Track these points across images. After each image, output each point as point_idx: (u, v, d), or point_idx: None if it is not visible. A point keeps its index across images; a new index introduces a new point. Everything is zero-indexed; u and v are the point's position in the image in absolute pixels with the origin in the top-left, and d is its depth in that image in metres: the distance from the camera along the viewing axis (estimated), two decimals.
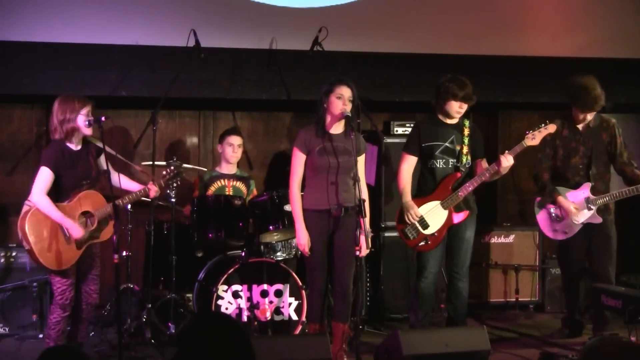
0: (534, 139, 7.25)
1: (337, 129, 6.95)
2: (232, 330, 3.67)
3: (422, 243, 7.36)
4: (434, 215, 7.31)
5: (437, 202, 7.31)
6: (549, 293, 9.20)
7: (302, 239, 6.89)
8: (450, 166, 7.35)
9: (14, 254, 8.06)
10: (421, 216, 7.32)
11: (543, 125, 7.26)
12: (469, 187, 7.26)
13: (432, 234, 7.32)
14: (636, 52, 9.47)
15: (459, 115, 7.39)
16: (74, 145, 6.74)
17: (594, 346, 4.04)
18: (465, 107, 7.35)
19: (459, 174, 7.32)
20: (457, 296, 7.47)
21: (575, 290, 7.98)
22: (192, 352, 3.61)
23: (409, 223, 7.35)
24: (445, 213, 7.31)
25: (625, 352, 3.93)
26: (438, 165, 7.37)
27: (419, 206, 7.33)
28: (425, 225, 7.32)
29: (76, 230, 6.57)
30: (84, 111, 6.64)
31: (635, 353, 3.87)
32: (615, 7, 9.47)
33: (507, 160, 7.13)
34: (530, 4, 9.33)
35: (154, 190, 6.97)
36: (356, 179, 6.69)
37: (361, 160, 6.98)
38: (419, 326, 7.41)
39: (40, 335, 7.76)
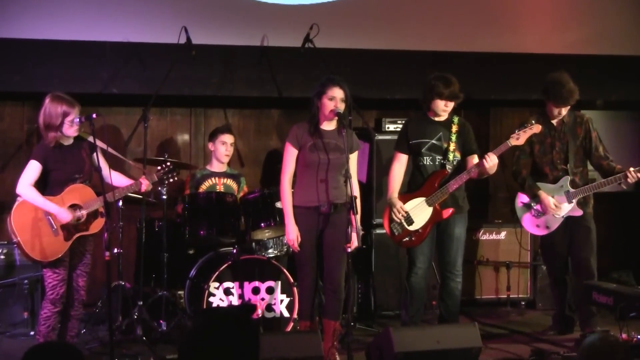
0: (518, 138, 7.27)
1: (330, 126, 6.96)
2: (240, 324, 3.70)
3: (406, 239, 7.37)
4: (419, 212, 7.32)
5: (423, 199, 7.31)
6: (540, 290, 9.20)
7: (292, 234, 6.90)
8: (437, 163, 7.36)
9: (5, 251, 8.04)
10: (406, 212, 7.33)
11: (528, 125, 7.28)
12: (454, 185, 7.25)
13: (417, 231, 7.33)
14: (627, 49, 9.49)
15: (445, 114, 7.39)
16: (65, 142, 6.74)
17: (596, 346, 4.03)
18: (451, 105, 7.35)
19: (445, 172, 7.31)
20: (449, 295, 7.46)
21: (562, 286, 8.02)
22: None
23: (395, 219, 7.35)
24: (430, 210, 7.31)
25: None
26: (425, 163, 7.37)
27: (404, 203, 7.33)
28: (410, 222, 7.33)
29: (63, 214, 6.57)
30: (68, 119, 6.62)
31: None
32: (606, 4, 9.49)
33: (490, 160, 7.14)
34: (521, 1, 9.34)
35: (145, 184, 6.96)
36: (347, 176, 6.70)
37: (353, 157, 6.98)
38: (410, 322, 7.42)
39: (32, 333, 7.75)
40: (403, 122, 8.34)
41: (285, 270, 7.69)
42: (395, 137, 7.73)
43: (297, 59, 8.66)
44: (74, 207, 6.67)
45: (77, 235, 6.69)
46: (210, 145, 8.45)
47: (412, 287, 7.43)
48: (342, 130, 6.79)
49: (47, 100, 6.68)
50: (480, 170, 7.22)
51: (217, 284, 7.56)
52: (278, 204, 7.45)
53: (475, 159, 7.36)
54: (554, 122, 7.80)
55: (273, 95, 8.85)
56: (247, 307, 7.42)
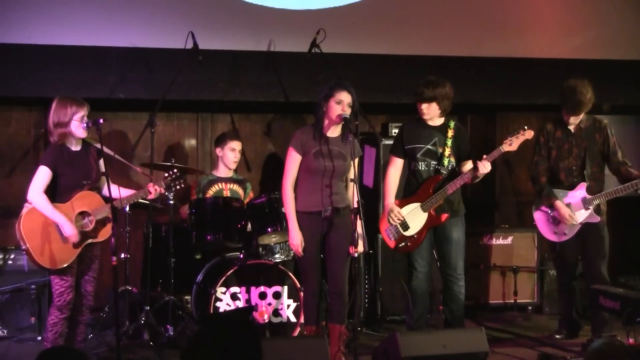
0: (511, 144, 7.25)
1: (334, 132, 6.96)
2: (242, 329, 3.71)
3: (402, 244, 7.36)
4: (414, 217, 7.31)
5: (418, 204, 7.30)
6: (547, 295, 9.20)
7: (295, 239, 6.90)
8: (432, 168, 7.35)
9: (12, 256, 8.06)
10: (403, 218, 7.32)
11: (521, 131, 7.26)
12: (449, 190, 7.24)
13: (412, 236, 7.32)
14: (633, 53, 9.48)
15: (429, 116, 7.37)
16: (73, 146, 6.74)
17: (602, 350, 4.03)
18: (429, 107, 7.30)
19: (440, 177, 7.30)
20: (453, 300, 7.45)
21: (570, 291, 8.00)
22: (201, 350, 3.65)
23: (391, 224, 7.34)
24: (425, 215, 7.29)
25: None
26: (420, 168, 7.36)
27: (400, 208, 7.32)
28: (405, 227, 7.32)
29: (68, 228, 6.55)
30: (77, 116, 6.63)
31: None
32: (612, 8, 9.48)
33: (485, 168, 7.13)
34: (527, 6, 9.34)
35: (154, 191, 6.96)
36: (354, 182, 6.70)
37: (355, 163, 6.96)
38: (414, 326, 7.41)
39: (39, 338, 7.77)
40: None
41: (292, 275, 7.67)
42: None
43: (304, 64, 8.67)
44: (82, 214, 6.67)
45: (86, 242, 6.69)
46: (218, 151, 8.45)
47: (414, 291, 7.43)
48: (349, 136, 6.78)
49: (55, 101, 6.70)
50: (474, 175, 7.21)
51: (224, 289, 7.56)
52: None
53: (469, 164, 7.36)
54: (571, 127, 7.77)
55: (280, 100, 8.87)
56: (245, 309, 7.43)
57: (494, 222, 9.86)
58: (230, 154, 8.38)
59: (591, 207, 7.63)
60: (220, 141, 8.46)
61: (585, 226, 7.70)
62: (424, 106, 7.31)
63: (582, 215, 7.67)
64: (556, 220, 7.75)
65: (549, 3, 9.41)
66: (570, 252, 7.85)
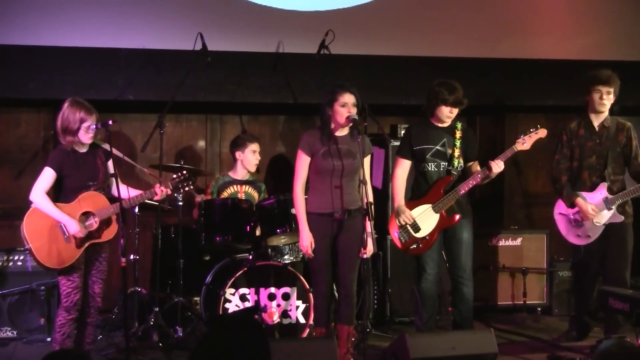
0: (524, 143, 7.25)
1: (342, 131, 6.94)
2: (249, 329, 3.71)
3: (413, 246, 7.34)
4: (425, 219, 7.29)
5: (429, 206, 7.29)
6: (556, 296, 9.17)
7: (305, 240, 6.89)
8: (442, 169, 7.33)
9: (22, 257, 8.07)
10: (413, 219, 7.31)
11: (533, 129, 7.25)
12: (460, 190, 7.23)
13: (424, 238, 7.30)
14: None
15: (449, 120, 7.37)
16: (80, 148, 6.74)
17: (611, 351, 4.02)
18: (455, 111, 7.32)
19: (450, 178, 7.29)
20: (462, 301, 7.44)
21: (586, 292, 7.94)
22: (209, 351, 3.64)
23: (402, 226, 7.33)
24: (437, 216, 7.28)
25: None
26: (430, 169, 7.35)
27: (410, 209, 7.32)
28: (416, 229, 7.31)
29: (72, 226, 6.56)
30: (85, 125, 6.62)
31: None
32: (621, 9, 9.47)
33: (497, 167, 7.13)
34: (536, 7, 9.33)
35: (160, 192, 6.95)
36: (363, 182, 6.70)
37: (367, 161, 6.97)
38: (424, 328, 7.40)
39: (48, 339, 7.77)
40: None
41: (301, 277, 7.69)
42: None
43: (313, 65, 8.67)
44: (87, 214, 6.67)
45: (90, 242, 6.69)
46: (238, 154, 8.43)
47: (423, 293, 7.41)
48: (358, 136, 6.77)
49: (65, 105, 6.68)
50: (485, 176, 7.21)
51: (232, 290, 7.57)
52: (294, 210, 7.44)
53: (476, 165, 7.36)
54: (596, 126, 7.73)
55: (288, 101, 8.87)
56: (250, 309, 7.44)
57: (502, 223, 9.85)
58: (251, 157, 8.40)
59: (614, 207, 7.56)
60: (240, 144, 8.45)
61: (609, 227, 7.63)
62: (455, 111, 7.31)
63: (605, 216, 7.62)
64: (578, 223, 7.70)
65: (557, 4, 9.41)
66: (593, 253, 7.75)
